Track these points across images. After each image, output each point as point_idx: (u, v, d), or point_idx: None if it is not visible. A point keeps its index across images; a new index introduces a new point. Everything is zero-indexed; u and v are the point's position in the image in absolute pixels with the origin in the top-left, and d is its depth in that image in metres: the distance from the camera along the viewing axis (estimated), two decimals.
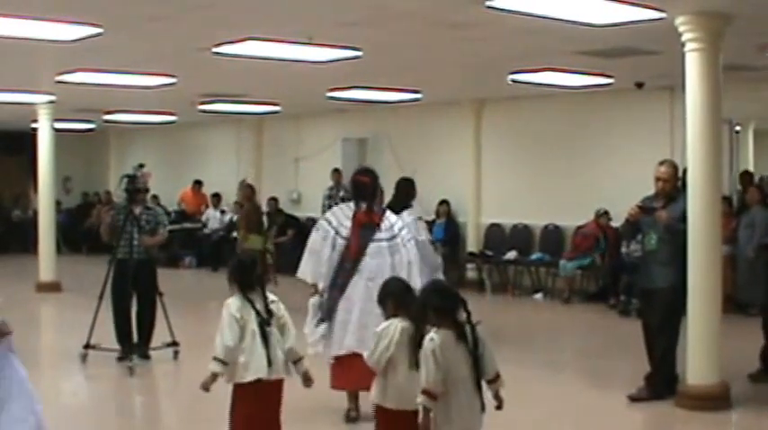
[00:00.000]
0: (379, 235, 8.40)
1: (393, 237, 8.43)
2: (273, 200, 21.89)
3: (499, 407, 5.96)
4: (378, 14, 9.31)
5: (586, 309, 15.77)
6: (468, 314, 5.62)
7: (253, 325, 6.51)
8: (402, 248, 8.41)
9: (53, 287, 17.67)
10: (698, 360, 9.04)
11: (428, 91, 16.40)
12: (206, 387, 6.46)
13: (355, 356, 7.73)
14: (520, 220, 18.04)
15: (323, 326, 8.36)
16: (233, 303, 6.57)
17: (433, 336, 5.53)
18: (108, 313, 11.06)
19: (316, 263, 8.42)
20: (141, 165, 11.47)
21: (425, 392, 5.46)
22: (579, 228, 16.45)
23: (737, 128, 17.27)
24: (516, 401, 9.47)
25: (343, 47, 10.96)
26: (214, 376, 6.47)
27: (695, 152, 9.07)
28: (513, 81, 13.99)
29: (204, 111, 19.78)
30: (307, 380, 6.70)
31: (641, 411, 9.21)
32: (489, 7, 8.51)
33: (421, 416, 5.52)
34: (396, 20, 9.57)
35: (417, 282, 7.81)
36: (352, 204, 8.59)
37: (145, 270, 11.08)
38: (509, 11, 8.70)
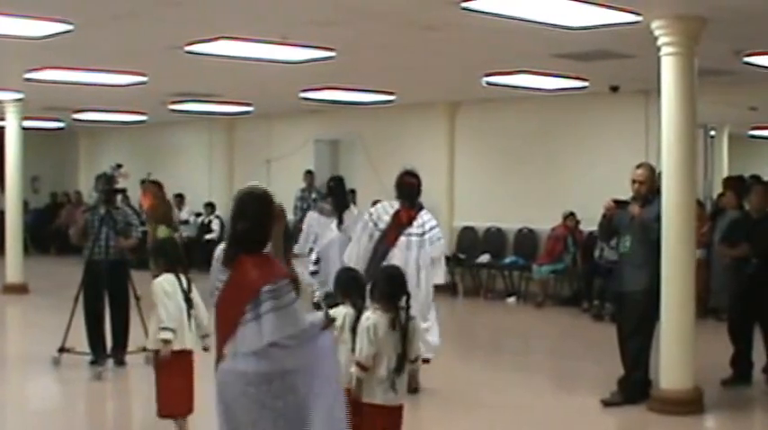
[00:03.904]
0: (410, 230, 9.32)
1: (422, 234, 9.34)
2: None
3: (410, 386, 7.10)
4: (352, 15, 9.23)
5: (560, 312, 15.73)
6: (408, 299, 6.27)
7: (181, 302, 7.53)
8: (428, 245, 9.34)
9: (20, 289, 17.42)
10: (671, 364, 9.03)
11: (402, 92, 16.34)
12: (166, 356, 7.39)
13: None
14: (493, 224, 17.99)
15: None
16: (164, 281, 7.57)
17: (369, 315, 6.17)
18: (80, 315, 10.88)
19: (358, 249, 9.38)
20: (119, 166, 11.33)
21: (358, 364, 6.07)
22: (552, 230, 16.41)
23: (712, 132, 17.30)
24: (489, 404, 9.50)
25: (316, 47, 10.88)
26: (166, 343, 7.38)
27: (670, 156, 9.07)
28: (488, 83, 13.94)
29: (175, 111, 19.64)
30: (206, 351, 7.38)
31: (614, 415, 9.17)
32: (464, 9, 8.45)
33: (354, 385, 6.10)
34: (370, 20, 9.51)
35: (441, 277, 9.48)
36: (395, 202, 9.51)
37: (118, 271, 10.92)
38: (484, 13, 8.64)
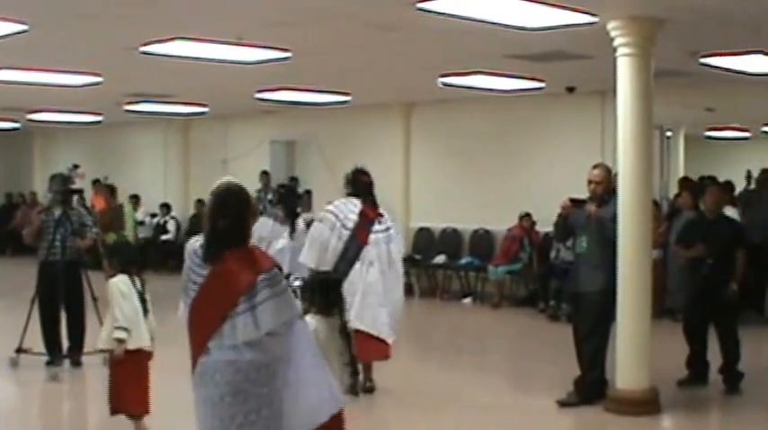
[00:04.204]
0: (377, 227, 9.56)
1: (388, 229, 9.64)
2: (200, 202, 21.69)
3: (364, 386, 7.87)
4: (308, 16, 9.20)
5: (516, 313, 15.74)
6: (342, 302, 6.34)
7: (135, 302, 7.66)
8: (395, 239, 9.71)
9: None
10: (627, 364, 9.04)
11: (357, 93, 16.29)
12: (120, 355, 7.55)
13: (357, 333, 8.42)
14: (449, 224, 18.01)
15: None
16: (120, 281, 7.68)
17: (309, 320, 6.03)
18: (37, 316, 10.81)
19: (320, 250, 9.42)
20: (76, 166, 11.28)
21: None
22: (508, 231, 16.43)
23: (668, 133, 17.40)
24: (446, 405, 9.49)
25: (272, 48, 10.83)
26: (120, 342, 7.52)
27: (626, 156, 9.07)
28: (444, 84, 13.93)
29: (130, 112, 19.49)
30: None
31: (570, 416, 9.19)
32: (420, 9, 8.42)
33: None
34: (326, 21, 9.47)
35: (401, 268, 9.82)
36: (355, 200, 9.60)
37: (74, 272, 10.86)
38: (439, 13, 8.60)
